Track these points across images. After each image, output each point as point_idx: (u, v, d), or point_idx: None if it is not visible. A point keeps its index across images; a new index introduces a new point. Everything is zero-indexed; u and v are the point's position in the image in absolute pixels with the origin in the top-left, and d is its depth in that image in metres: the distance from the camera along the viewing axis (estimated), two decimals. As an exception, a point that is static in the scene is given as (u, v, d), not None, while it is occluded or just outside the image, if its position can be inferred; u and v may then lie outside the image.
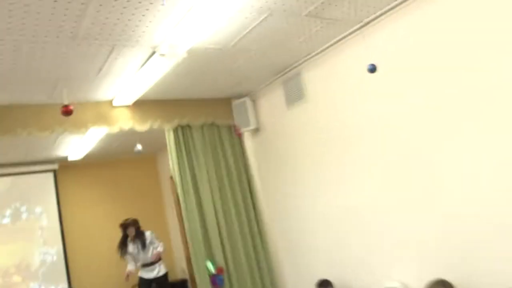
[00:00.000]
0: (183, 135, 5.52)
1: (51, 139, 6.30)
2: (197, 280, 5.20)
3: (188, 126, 5.59)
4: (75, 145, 6.85)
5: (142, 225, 6.52)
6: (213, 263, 5.23)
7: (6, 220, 7.27)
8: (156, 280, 6.32)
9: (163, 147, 8.30)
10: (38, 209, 7.51)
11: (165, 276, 6.42)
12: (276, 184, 5.77)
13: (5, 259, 7.13)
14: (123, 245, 6.30)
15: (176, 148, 5.41)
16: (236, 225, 5.55)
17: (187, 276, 7.99)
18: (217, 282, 5.16)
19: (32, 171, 7.54)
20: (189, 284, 7.93)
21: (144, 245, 6.24)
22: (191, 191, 5.36)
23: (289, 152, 5.52)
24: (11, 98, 4.53)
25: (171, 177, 8.09)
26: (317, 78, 5.04)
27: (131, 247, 6.26)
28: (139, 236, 6.32)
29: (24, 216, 7.40)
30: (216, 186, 5.56)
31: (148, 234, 6.35)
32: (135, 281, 6.43)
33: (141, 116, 5.22)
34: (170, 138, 5.45)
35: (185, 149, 5.49)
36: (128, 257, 6.29)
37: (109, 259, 6.92)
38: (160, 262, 6.39)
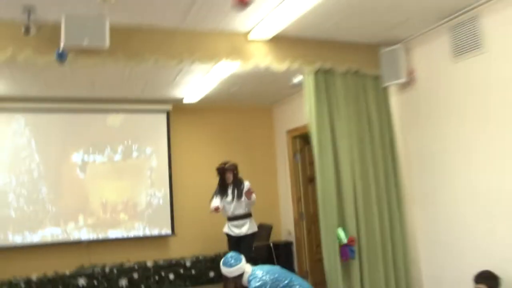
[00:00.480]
0: (324, 81, 4.70)
1: (171, 76, 5.89)
2: (324, 248, 4.50)
3: (330, 71, 4.77)
4: (193, 86, 6.37)
5: (251, 178, 5.94)
6: (345, 231, 4.49)
7: (117, 157, 7.05)
8: (244, 238, 5.71)
9: (280, 99, 7.71)
10: (148, 149, 7.21)
11: (253, 235, 5.80)
12: (424, 150, 4.85)
13: (114, 195, 6.96)
14: (222, 189, 5.75)
15: (316, 95, 4.61)
16: (373, 191, 4.71)
17: (293, 239, 7.43)
18: (348, 253, 4.43)
19: (146, 110, 7.22)
20: (295, 247, 7.38)
21: (240, 194, 5.64)
22: (328, 146, 4.57)
23: (448, 113, 4.54)
24: (140, 18, 4.02)
25: (288, 131, 7.54)
26: (503, 23, 3.98)
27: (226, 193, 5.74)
28: (237, 183, 5.73)
29: (134, 154, 7.13)
30: (356, 143, 4.71)
31: (246, 184, 5.75)
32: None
33: (280, 53, 4.49)
34: (309, 83, 4.66)
35: (326, 97, 4.67)
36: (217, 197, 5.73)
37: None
38: (251, 219, 5.78)
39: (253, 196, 5.60)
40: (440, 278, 4.71)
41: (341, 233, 4.46)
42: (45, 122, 6.77)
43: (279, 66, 4.48)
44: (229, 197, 5.70)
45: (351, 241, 4.46)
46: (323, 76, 4.72)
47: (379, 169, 4.82)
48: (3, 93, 6.21)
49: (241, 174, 5.88)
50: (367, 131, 4.81)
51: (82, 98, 6.75)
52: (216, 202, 5.65)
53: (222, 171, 5.77)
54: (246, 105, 7.87)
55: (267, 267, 3.95)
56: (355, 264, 4.55)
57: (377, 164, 4.81)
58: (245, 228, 5.71)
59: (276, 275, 3.82)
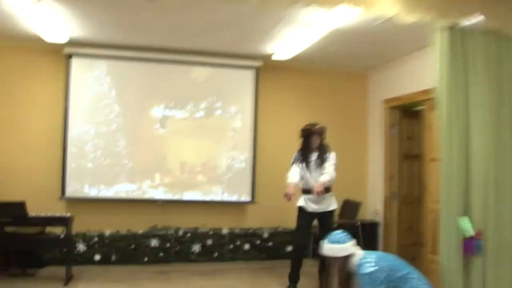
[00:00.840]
0: (460, 39, 3.86)
1: (268, 27, 5.22)
2: (443, 240, 3.77)
3: (468, 29, 3.91)
4: (289, 41, 5.69)
5: (338, 149, 5.25)
6: (471, 222, 3.74)
7: (200, 114, 6.56)
8: (322, 215, 5.05)
9: (378, 64, 6.87)
10: (233, 108, 6.66)
11: (332, 212, 5.14)
12: None
13: (193, 155, 6.54)
14: (304, 155, 5.08)
15: (449, 56, 3.78)
16: (508, 177, 3.90)
17: (380, 219, 6.74)
18: (474, 247, 3.69)
19: (234, 65, 6.64)
20: (382, 229, 6.70)
21: (322, 162, 4.97)
22: (459, 118, 3.76)
23: None
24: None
25: (385, 101, 6.73)
26: None
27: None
28: (323, 150, 5.05)
29: (218, 112, 6.61)
30: (493, 117, 3.85)
31: (332, 155, 5.05)
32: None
33: (410, 2, 3.70)
34: (442, 41, 3.84)
35: (460, 59, 3.83)
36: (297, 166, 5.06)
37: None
38: (331, 194, 5.08)
39: (326, 179, 4.91)
40: None
41: (465, 223, 3.72)
42: (127, 71, 6.38)
43: (408, 17, 3.69)
44: (311, 165, 5.04)
45: (478, 234, 3.71)
46: (459, 34, 3.87)
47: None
48: (86, 38, 5.87)
49: (328, 144, 5.21)
50: (507, 104, 3.95)
51: (167, 48, 6.28)
52: (295, 174, 5.00)
53: (308, 132, 5.11)
54: (340, 68, 7.13)
55: (380, 253, 3.47)
56: (477, 260, 3.80)
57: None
58: (325, 204, 5.06)
59: (392, 263, 3.31)
